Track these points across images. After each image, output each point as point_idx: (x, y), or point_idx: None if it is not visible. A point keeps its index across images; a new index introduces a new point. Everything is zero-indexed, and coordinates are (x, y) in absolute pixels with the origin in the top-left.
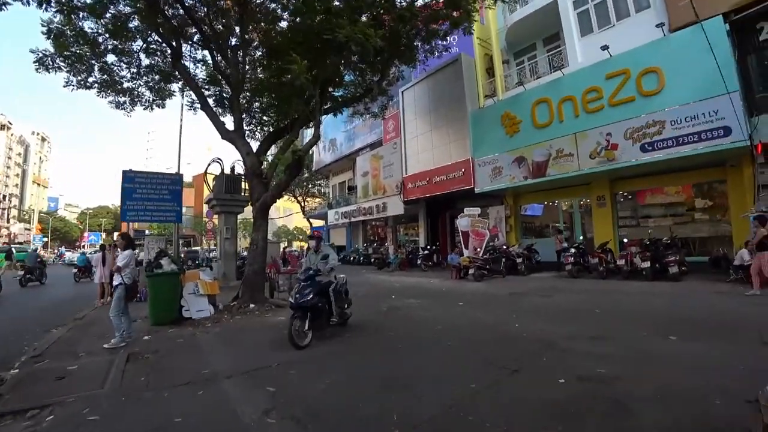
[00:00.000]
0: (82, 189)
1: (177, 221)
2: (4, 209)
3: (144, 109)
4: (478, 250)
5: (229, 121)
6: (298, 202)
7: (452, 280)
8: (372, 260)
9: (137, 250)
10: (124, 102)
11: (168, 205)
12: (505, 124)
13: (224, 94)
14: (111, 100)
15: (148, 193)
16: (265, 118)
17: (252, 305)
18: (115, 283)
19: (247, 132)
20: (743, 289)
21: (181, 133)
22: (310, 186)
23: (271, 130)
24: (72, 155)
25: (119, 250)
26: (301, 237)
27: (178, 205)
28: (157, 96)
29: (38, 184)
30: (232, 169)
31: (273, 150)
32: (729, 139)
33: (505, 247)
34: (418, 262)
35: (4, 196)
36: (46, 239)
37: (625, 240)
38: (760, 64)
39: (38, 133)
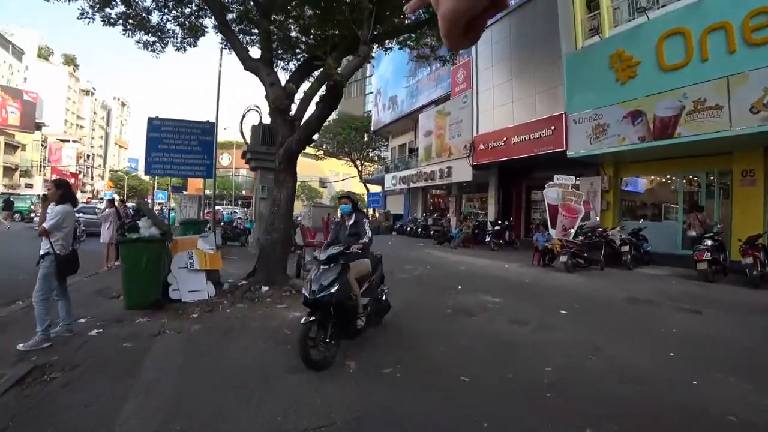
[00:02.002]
0: None
1: (206, 176)
2: (89, 167)
3: (176, 49)
4: (570, 230)
5: (256, 53)
6: (356, 166)
7: (534, 267)
8: (431, 233)
9: (114, 210)
10: (154, 42)
11: (198, 158)
12: (615, 68)
13: (251, 15)
14: (138, 39)
15: (176, 143)
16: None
17: (265, 288)
18: (41, 251)
19: (277, 63)
20: None
21: (219, 78)
22: (368, 150)
23: (306, 57)
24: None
25: (53, 205)
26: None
27: (209, 158)
28: (188, 33)
29: (119, 146)
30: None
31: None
32: None
33: (600, 230)
34: (487, 239)
35: (89, 156)
36: (115, 195)
37: None
38: None
39: (119, 99)
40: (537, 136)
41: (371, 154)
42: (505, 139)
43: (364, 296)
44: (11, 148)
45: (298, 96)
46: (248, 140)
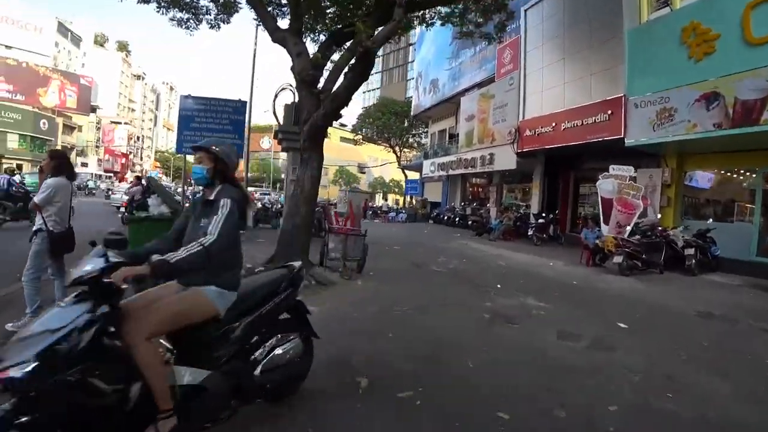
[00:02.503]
0: None
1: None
2: (139, 149)
3: (210, 27)
4: (625, 228)
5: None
6: (395, 152)
7: (583, 267)
8: (469, 223)
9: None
10: (187, 19)
11: (228, 137)
12: (688, 43)
13: None
14: (172, 16)
15: (207, 122)
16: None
17: None
18: (34, 227)
19: (306, 35)
20: None
21: (254, 56)
22: (408, 136)
23: (337, 27)
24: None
25: (47, 177)
26: (396, 190)
27: (240, 138)
28: (221, 10)
29: (167, 128)
30: None
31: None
32: None
33: (660, 228)
34: (529, 232)
35: (139, 137)
36: (160, 175)
37: None
38: None
39: (167, 83)
40: (591, 121)
41: (410, 140)
42: (554, 124)
43: (203, 366)
44: (69, 129)
45: (328, 68)
46: (281, 120)
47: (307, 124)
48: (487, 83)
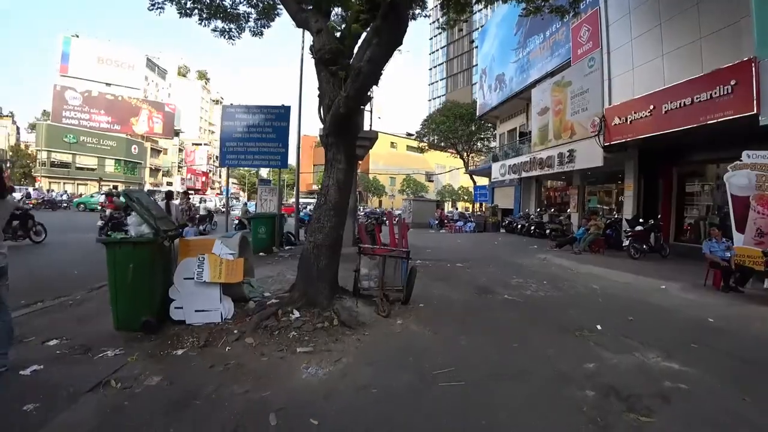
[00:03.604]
0: None
1: (281, 166)
2: (218, 167)
3: (253, 34)
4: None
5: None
6: (461, 157)
7: (713, 292)
8: (547, 232)
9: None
10: (230, 29)
11: (272, 146)
12: None
13: None
14: (214, 27)
15: (249, 132)
16: None
17: (297, 313)
18: None
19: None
20: None
21: (302, 59)
22: (475, 140)
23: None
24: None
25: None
26: (465, 198)
27: (284, 146)
28: (261, 14)
29: None
30: None
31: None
32: None
33: None
34: (624, 243)
35: (218, 157)
36: (236, 190)
37: None
38: None
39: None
40: (705, 97)
41: (478, 145)
42: (652, 107)
43: None
44: (156, 152)
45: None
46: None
47: (330, 114)
48: (561, 71)
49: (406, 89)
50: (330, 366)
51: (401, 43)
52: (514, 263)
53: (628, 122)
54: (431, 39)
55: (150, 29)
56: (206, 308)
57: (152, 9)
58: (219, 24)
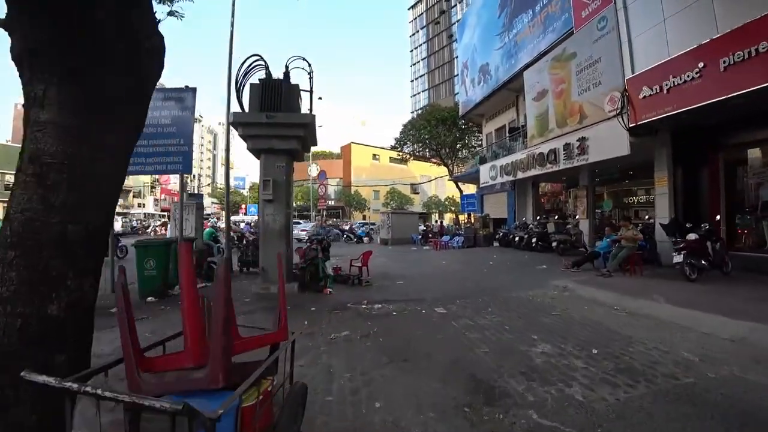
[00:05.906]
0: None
1: (183, 171)
2: (198, 186)
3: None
4: None
5: None
6: (445, 164)
7: None
8: (554, 245)
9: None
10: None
11: (170, 144)
12: None
13: None
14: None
15: (147, 128)
16: None
17: None
18: None
19: None
20: None
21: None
22: (459, 146)
23: None
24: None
25: None
26: (453, 209)
27: (186, 143)
28: None
29: (222, 165)
30: (287, 72)
31: None
32: None
33: None
34: (676, 257)
35: (196, 175)
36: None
37: None
38: None
39: (222, 123)
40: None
41: (463, 152)
42: (701, 65)
43: None
44: None
45: None
46: (246, 107)
47: None
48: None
49: (389, 103)
50: None
51: None
52: (524, 300)
53: (666, 91)
54: (411, 51)
55: None
56: None
57: None
58: None
